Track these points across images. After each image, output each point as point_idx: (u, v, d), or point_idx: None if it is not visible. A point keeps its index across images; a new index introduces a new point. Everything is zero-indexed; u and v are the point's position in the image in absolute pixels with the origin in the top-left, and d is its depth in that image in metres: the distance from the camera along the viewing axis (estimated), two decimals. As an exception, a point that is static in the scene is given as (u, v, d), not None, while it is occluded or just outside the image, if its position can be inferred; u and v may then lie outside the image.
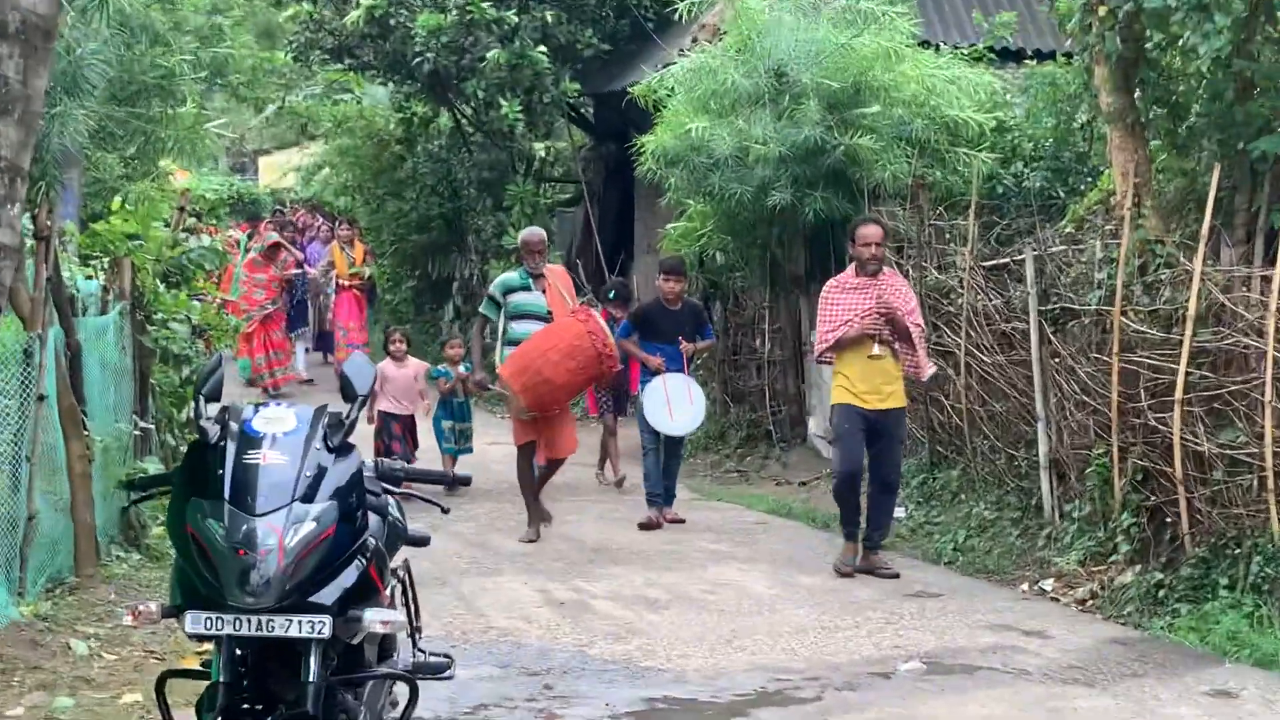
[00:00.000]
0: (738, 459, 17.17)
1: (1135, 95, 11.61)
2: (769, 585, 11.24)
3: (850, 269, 11.64)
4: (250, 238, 24.41)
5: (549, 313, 13.10)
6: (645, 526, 13.27)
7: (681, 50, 18.32)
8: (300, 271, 23.93)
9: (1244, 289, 10.40)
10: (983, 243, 13.55)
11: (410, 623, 6.80)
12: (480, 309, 13.75)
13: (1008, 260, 12.99)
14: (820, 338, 11.56)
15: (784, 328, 17.18)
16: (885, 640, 9.71)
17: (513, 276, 13.45)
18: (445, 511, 6.55)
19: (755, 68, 15.17)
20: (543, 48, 21.13)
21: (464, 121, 24.30)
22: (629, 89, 17.78)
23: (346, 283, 22.63)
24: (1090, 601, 10.78)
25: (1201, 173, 11.24)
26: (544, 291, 13.29)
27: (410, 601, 6.83)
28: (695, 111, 15.56)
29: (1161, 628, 9.90)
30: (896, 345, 11.45)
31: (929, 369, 11.72)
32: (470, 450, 15.49)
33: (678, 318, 13.55)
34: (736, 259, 17.24)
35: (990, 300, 12.88)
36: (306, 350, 24.94)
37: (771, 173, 14.80)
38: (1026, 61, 17.00)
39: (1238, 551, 9.98)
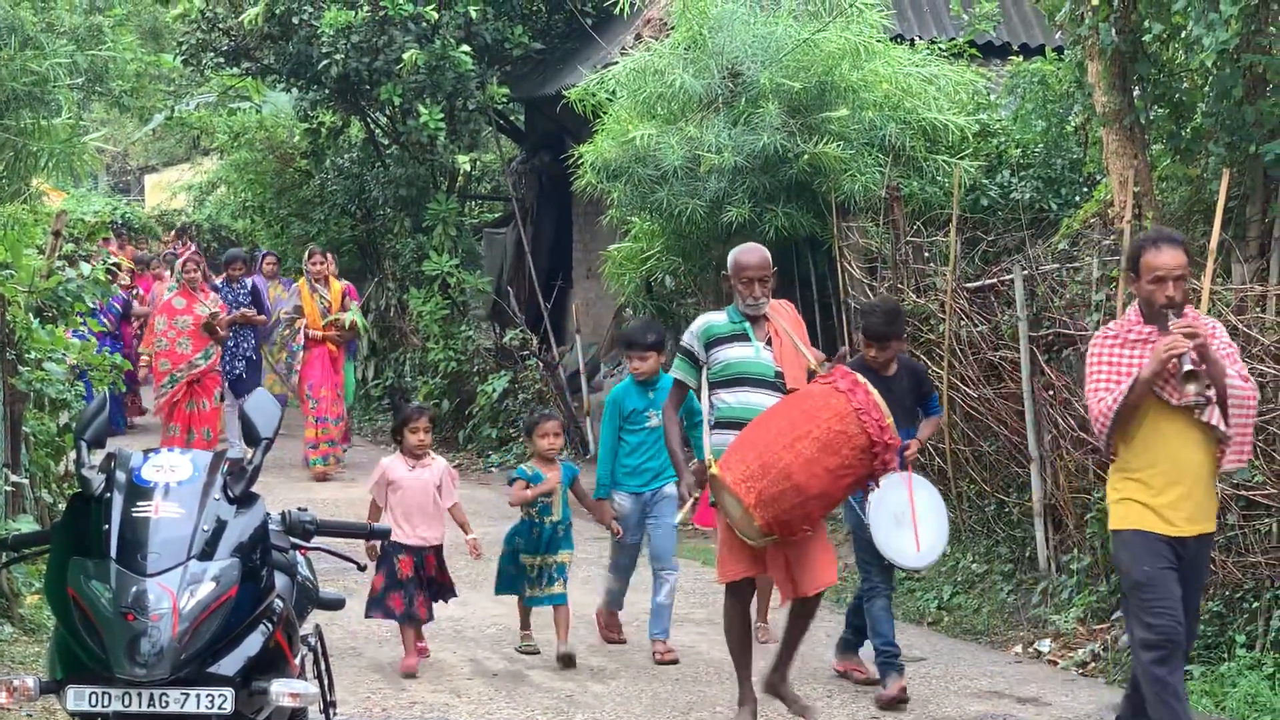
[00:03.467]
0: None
1: (1134, 94, 11.75)
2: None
3: (1131, 313, 8.32)
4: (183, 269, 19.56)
5: (779, 375, 9.61)
6: (890, 705, 9.94)
7: (623, 49, 18.40)
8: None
9: (1258, 309, 10.51)
10: (966, 262, 13.64)
11: (323, 696, 6.80)
12: (672, 370, 10.01)
13: (994, 281, 13.07)
14: (1094, 410, 8.21)
15: (743, 360, 17.19)
16: (861, 711, 9.75)
17: (718, 320, 9.79)
18: (362, 569, 6.56)
19: (707, 67, 15.24)
20: (466, 47, 21.11)
21: (378, 132, 24.30)
22: (564, 93, 17.83)
23: (320, 334, 19.19)
24: (1092, 664, 10.85)
25: (1209, 180, 11.36)
26: (768, 342, 9.68)
27: (323, 673, 6.84)
28: (639, 117, 15.62)
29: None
30: (1216, 419, 8.07)
31: (1242, 462, 8.38)
32: (563, 599, 11.13)
33: (893, 389, 9.99)
34: (688, 283, 17.26)
35: (975, 326, 12.96)
36: None
37: (726, 185, 14.84)
38: (1012, 58, 17.15)
39: (1255, 605, 10.07)
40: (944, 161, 14.74)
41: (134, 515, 5.39)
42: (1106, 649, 10.90)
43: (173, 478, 5.52)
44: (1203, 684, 9.85)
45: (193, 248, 26.98)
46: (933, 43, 16.69)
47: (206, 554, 5.36)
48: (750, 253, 9.77)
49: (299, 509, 6.10)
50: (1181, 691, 8.06)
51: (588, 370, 21.01)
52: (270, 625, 5.55)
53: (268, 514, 5.74)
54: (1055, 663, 11.02)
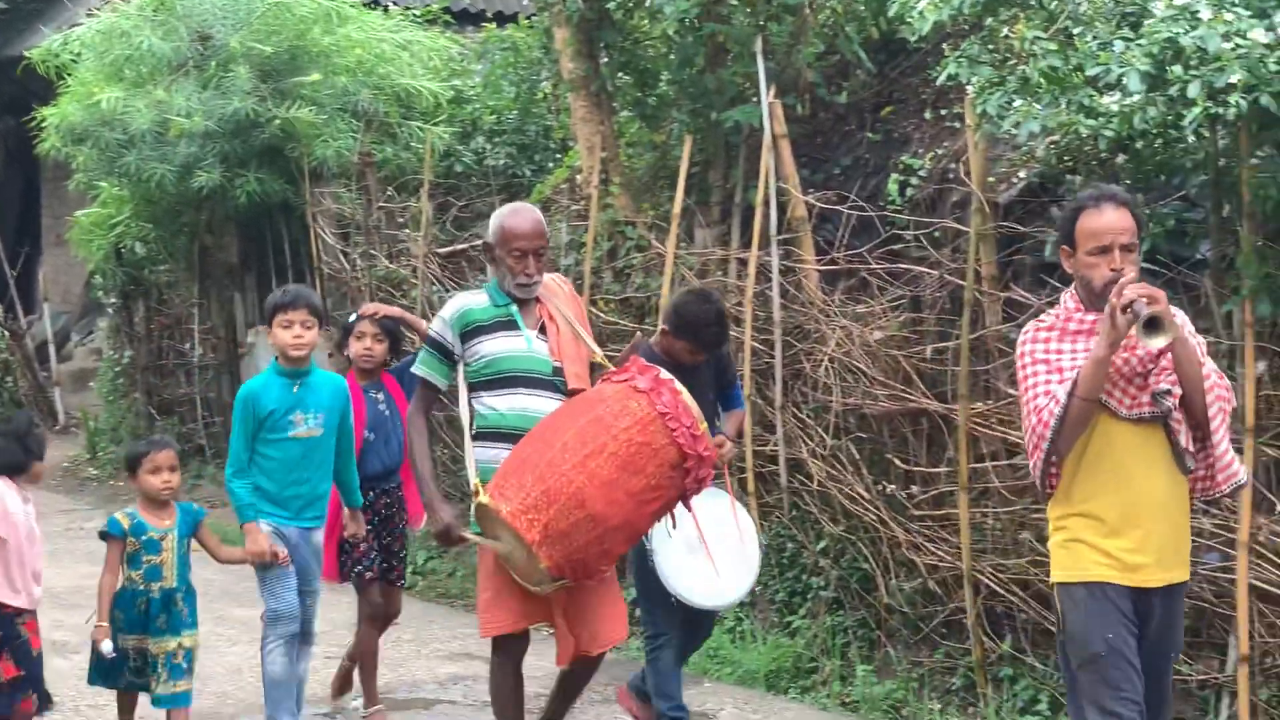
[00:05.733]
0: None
1: (600, 61, 11.93)
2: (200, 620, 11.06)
3: (1067, 299, 6.26)
4: None
5: (557, 372, 7.38)
6: None
7: (90, 10, 17.95)
8: None
9: (720, 273, 10.80)
10: (438, 227, 13.71)
11: None
12: (415, 368, 7.56)
13: (466, 247, 13.16)
14: (1031, 426, 6.07)
15: (216, 327, 16.99)
16: (333, 675, 9.69)
17: (477, 303, 7.43)
18: None
19: (175, 29, 14.98)
20: (-85, 3, 20.42)
21: None
22: (26, 54, 17.31)
23: None
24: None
25: (673, 146, 11.62)
26: (541, 330, 7.40)
27: None
28: (107, 80, 15.27)
29: (637, 649, 10.19)
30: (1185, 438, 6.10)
31: (1240, 469, 6.29)
32: (187, 699, 8.02)
33: (692, 379, 7.46)
34: (159, 250, 16.99)
35: (447, 292, 13.02)
36: None
37: (197, 150, 14.63)
38: (486, 24, 17.26)
39: (716, 562, 10.35)
40: (418, 127, 14.80)
41: None
42: (577, 608, 11.09)
43: None
44: (667, 639, 10.11)
45: None
46: (408, 9, 16.71)
47: None
48: (522, 217, 7.38)
49: None
50: None
51: (57, 340, 20.50)
52: None
53: None
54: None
